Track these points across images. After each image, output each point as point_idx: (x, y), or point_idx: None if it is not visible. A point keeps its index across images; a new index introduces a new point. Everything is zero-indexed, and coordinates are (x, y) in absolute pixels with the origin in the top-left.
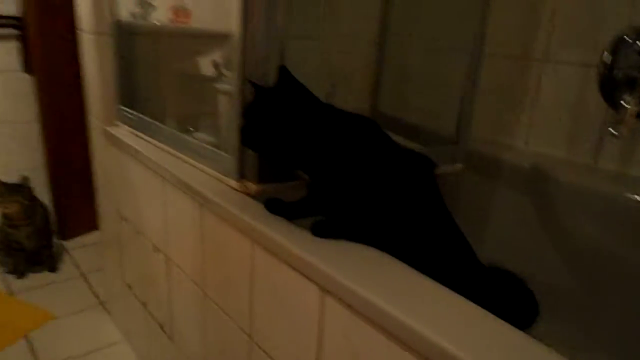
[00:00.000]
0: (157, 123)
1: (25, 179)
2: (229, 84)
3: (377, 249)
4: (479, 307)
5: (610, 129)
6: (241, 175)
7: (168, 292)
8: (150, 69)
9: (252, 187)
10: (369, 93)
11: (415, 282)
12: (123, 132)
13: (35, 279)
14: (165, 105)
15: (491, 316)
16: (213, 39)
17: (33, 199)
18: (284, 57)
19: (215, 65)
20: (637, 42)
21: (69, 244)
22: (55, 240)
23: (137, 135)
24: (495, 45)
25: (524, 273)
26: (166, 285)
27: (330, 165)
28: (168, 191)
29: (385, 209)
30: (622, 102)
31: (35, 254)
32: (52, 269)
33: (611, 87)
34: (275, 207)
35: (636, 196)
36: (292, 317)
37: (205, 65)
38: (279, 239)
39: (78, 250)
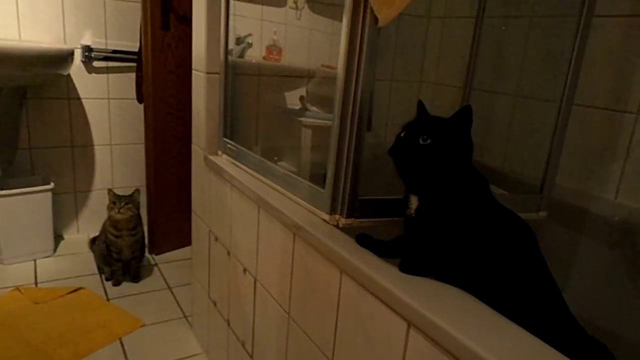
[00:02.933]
0: (253, 154)
1: (137, 191)
2: (314, 117)
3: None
4: (563, 356)
5: None
6: (332, 208)
7: (253, 312)
8: (247, 103)
9: (342, 220)
10: None
11: (498, 322)
12: (223, 160)
13: (127, 287)
14: (259, 137)
15: None
16: (299, 75)
17: (139, 211)
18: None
19: (301, 100)
20: None
21: (157, 258)
22: (145, 254)
23: (235, 165)
24: (586, 97)
25: (603, 328)
26: (251, 305)
27: (446, 212)
28: (262, 217)
29: (483, 260)
30: None
31: (128, 264)
32: (136, 279)
33: None
34: (365, 241)
35: None
36: (375, 348)
37: (293, 100)
38: (367, 271)
39: (165, 265)
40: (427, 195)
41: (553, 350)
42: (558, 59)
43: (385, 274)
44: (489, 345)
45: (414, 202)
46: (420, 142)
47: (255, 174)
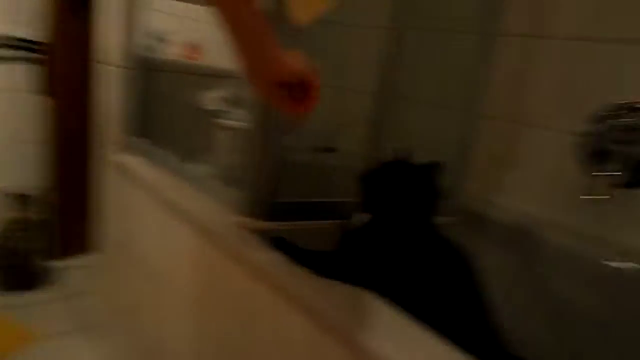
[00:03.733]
0: (164, 154)
1: (34, 191)
2: (236, 120)
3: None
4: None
5: (589, 195)
6: (248, 212)
7: (162, 320)
8: (160, 101)
9: (257, 223)
10: (370, 143)
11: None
12: (131, 160)
13: (19, 297)
14: (173, 137)
15: None
16: (221, 75)
17: (36, 214)
18: None
19: (223, 101)
20: (613, 117)
21: (58, 263)
22: (43, 259)
23: (143, 165)
24: (489, 108)
25: (508, 325)
26: (160, 313)
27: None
28: (172, 221)
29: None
30: (600, 171)
31: (23, 269)
32: (34, 286)
33: (592, 156)
34: (281, 245)
35: (609, 262)
36: (289, 353)
37: (213, 100)
38: (279, 275)
39: (66, 271)
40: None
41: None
42: (465, 72)
43: (300, 280)
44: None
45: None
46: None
47: (168, 176)
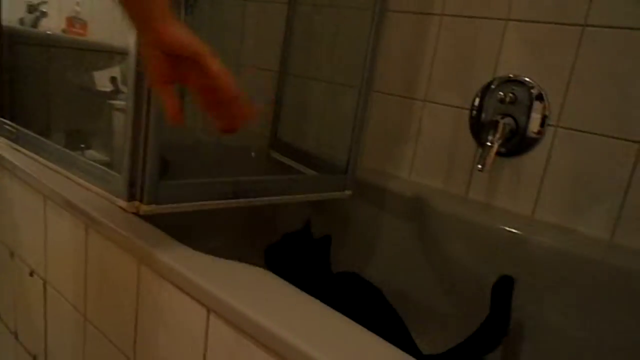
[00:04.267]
0: (42, 138)
1: None
2: (126, 100)
3: None
4: (361, 327)
5: (478, 165)
6: (131, 195)
7: (44, 319)
8: (38, 80)
9: (143, 207)
10: (270, 121)
11: (297, 300)
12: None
13: None
14: (54, 120)
15: (376, 338)
16: (111, 53)
17: None
18: None
19: (113, 81)
20: (498, 90)
21: None
22: None
23: (16, 150)
24: (384, 84)
25: (404, 291)
26: (42, 311)
27: None
28: (50, 210)
29: None
30: (487, 141)
31: None
32: None
33: (479, 127)
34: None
35: (497, 225)
36: (177, 339)
37: (102, 80)
38: (165, 259)
39: None
40: None
41: (348, 320)
42: (359, 48)
43: (182, 261)
44: (290, 325)
45: None
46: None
47: (43, 161)
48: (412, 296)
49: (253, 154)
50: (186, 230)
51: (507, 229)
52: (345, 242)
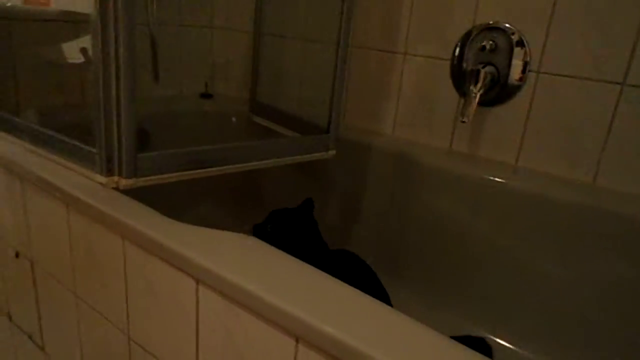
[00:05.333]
0: (13, 117)
1: None
2: (94, 71)
3: None
4: (351, 288)
5: (461, 117)
6: (109, 170)
7: (35, 299)
8: (2, 56)
9: (122, 181)
10: (248, 83)
11: (285, 263)
12: None
13: None
14: (24, 97)
15: (362, 295)
16: (77, 23)
17: None
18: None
19: (84, 52)
20: (479, 39)
21: None
22: None
23: None
24: (363, 39)
25: (394, 247)
26: (32, 292)
27: None
28: (28, 192)
29: None
30: (468, 92)
31: None
32: None
33: (460, 78)
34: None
35: (484, 175)
36: (169, 310)
37: (72, 52)
38: (148, 232)
39: None
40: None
41: (340, 283)
42: (335, 2)
43: (166, 233)
44: (280, 289)
45: None
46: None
47: (17, 140)
48: (401, 252)
49: (234, 119)
50: (170, 198)
51: (492, 178)
52: (331, 202)
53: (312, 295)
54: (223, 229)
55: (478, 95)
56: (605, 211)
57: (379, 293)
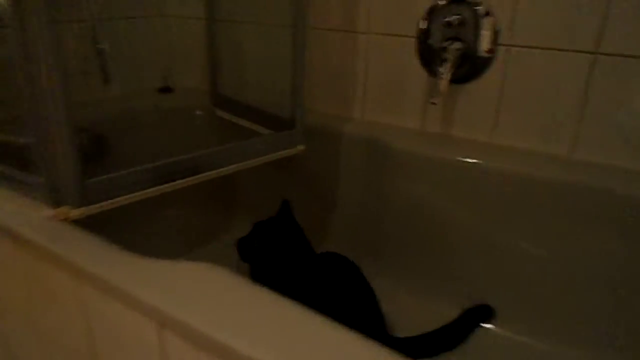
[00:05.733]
0: None
1: None
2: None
3: None
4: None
5: (431, 99)
6: (56, 201)
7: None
8: None
9: (73, 212)
10: (208, 74)
11: (259, 304)
12: None
13: None
14: None
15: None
16: None
17: None
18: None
19: None
20: (444, 13)
21: None
22: None
23: None
24: (321, 19)
25: (372, 235)
26: None
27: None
28: None
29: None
30: (437, 71)
31: None
32: None
33: (428, 56)
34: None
35: (455, 157)
36: (135, 356)
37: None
38: (106, 276)
39: None
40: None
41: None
42: None
43: (123, 273)
44: (247, 334)
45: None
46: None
47: None
48: (380, 240)
49: (198, 112)
50: (137, 207)
51: (465, 159)
52: (306, 194)
53: (286, 339)
54: (200, 239)
55: (448, 75)
56: (583, 186)
57: (366, 292)
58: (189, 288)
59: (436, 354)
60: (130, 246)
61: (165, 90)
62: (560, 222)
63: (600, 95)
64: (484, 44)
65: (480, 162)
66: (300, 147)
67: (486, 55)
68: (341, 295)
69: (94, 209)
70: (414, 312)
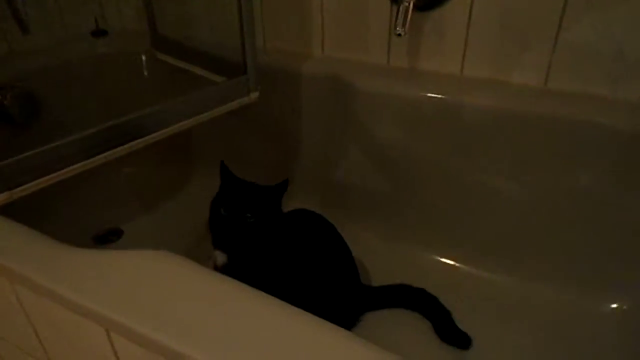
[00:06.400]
0: None
1: None
2: None
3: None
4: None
5: (397, 29)
6: None
7: None
8: None
9: None
10: (144, 11)
11: (199, 290)
12: None
13: None
14: None
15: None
16: None
17: None
18: None
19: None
20: None
21: None
22: None
23: None
24: None
25: (339, 180)
26: None
27: None
28: None
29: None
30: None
31: None
32: None
33: None
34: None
35: (423, 93)
36: (87, 356)
37: None
38: (42, 281)
39: None
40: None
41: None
42: None
43: (59, 273)
44: (194, 337)
45: (220, 258)
46: (247, 220)
47: None
48: (346, 182)
49: (144, 57)
50: None
51: (434, 95)
52: (265, 142)
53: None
54: (159, 196)
55: (412, 2)
56: (557, 117)
57: (340, 249)
58: (136, 284)
59: (408, 306)
60: (88, 208)
61: (99, 33)
62: (534, 156)
63: (577, 19)
64: None
65: (448, 97)
66: (254, 95)
67: None
68: (318, 256)
69: (18, 192)
70: (387, 257)
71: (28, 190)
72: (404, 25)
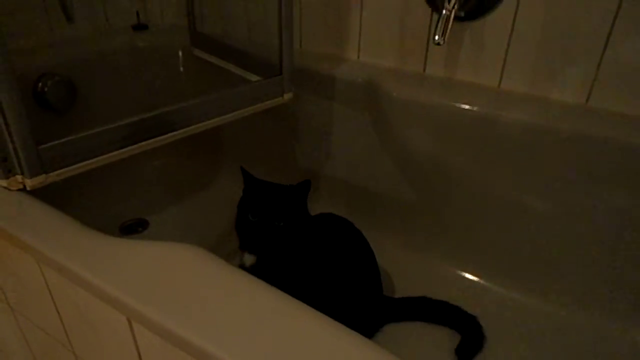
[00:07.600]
0: None
1: None
2: None
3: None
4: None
5: (436, 38)
6: (7, 170)
7: None
8: None
9: (28, 181)
10: (185, 9)
11: (227, 289)
12: None
13: None
14: None
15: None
16: None
17: None
18: None
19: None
20: None
21: None
22: None
23: None
24: None
25: (366, 186)
26: None
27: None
28: None
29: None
30: (442, 6)
31: None
32: None
33: None
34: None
35: (459, 104)
36: (107, 339)
37: None
38: (70, 266)
39: None
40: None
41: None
42: None
43: (92, 262)
44: (216, 333)
45: (248, 259)
46: (276, 225)
47: None
48: (373, 189)
49: (180, 53)
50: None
51: (469, 107)
52: (297, 142)
53: (271, 340)
54: (188, 188)
55: (453, 11)
56: (598, 138)
57: (366, 256)
58: (161, 275)
59: (429, 319)
60: (116, 197)
61: (140, 27)
62: (570, 175)
63: (625, 37)
64: None
65: (485, 111)
66: (288, 96)
67: None
68: (344, 261)
69: (54, 176)
70: (410, 267)
71: (62, 175)
72: (443, 34)
